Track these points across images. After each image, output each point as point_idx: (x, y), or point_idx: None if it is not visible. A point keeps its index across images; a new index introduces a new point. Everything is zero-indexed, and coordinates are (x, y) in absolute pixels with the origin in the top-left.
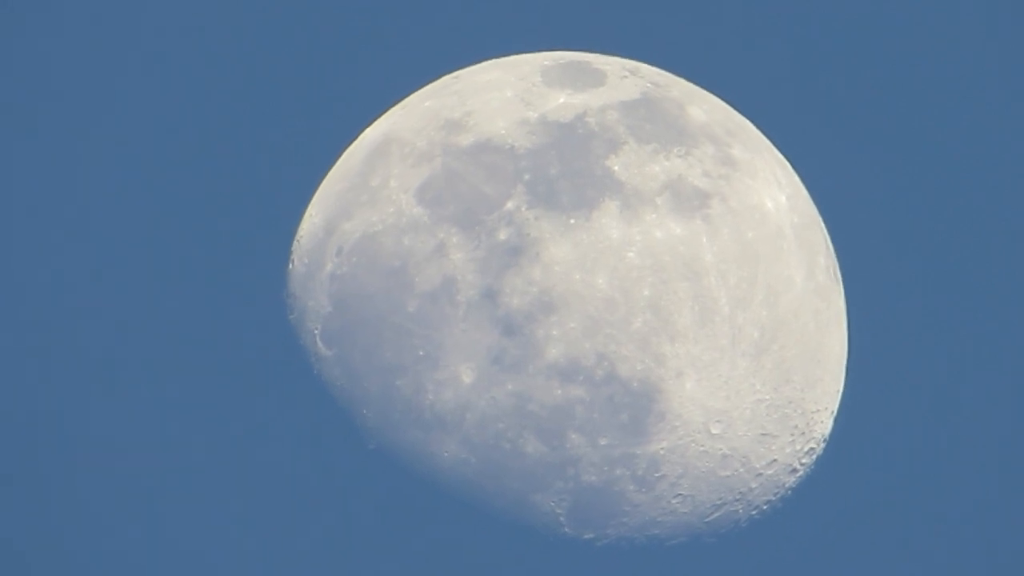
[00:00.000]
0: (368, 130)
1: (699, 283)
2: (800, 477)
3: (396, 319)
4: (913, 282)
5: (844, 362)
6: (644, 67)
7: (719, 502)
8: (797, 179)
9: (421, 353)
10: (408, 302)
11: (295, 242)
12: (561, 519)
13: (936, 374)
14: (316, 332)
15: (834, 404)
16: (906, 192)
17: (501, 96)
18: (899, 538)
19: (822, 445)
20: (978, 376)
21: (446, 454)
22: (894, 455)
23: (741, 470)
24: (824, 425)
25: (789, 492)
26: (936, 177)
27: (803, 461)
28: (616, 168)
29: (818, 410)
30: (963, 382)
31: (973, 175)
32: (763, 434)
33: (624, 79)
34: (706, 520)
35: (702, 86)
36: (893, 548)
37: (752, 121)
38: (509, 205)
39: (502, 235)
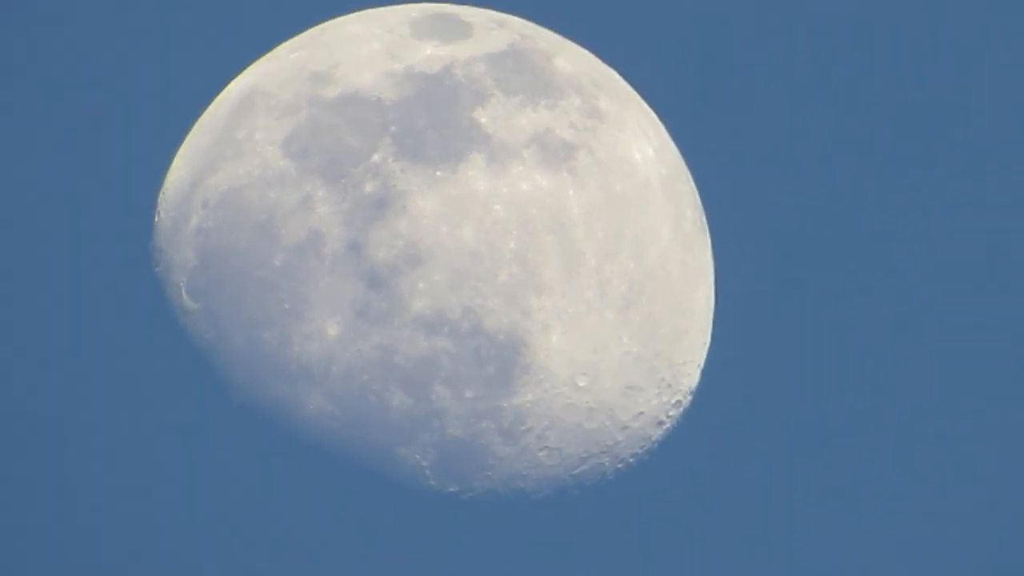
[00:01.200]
0: (233, 83)
1: (566, 236)
2: (667, 430)
3: (262, 272)
4: (778, 234)
5: (711, 315)
6: (512, 19)
7: (585, 455)
8: (664, 131)
9: (287, 306)
10: (274, 255)
11: (160, 195)
12: (427, 472)
13: (801, 326)
14: (182, 285)
15: (701, 356)
16: (773, 144)
17: (368, 48)
18: (762, 490)
19: (689, 398)
20: (840, 329)
21: (311, 407)
22: (760, 406)
23: (608, 423)
24: (691, 377)
25: (656, 445)
26: (802, 128)
27: (670, 414)
28: (483, 120)
29: (685, 362)
30: (826, 335)
31: (842, 125)
32: (630, 387)
33: (491, 31)
34: (572, 473)
35: (570, 38)
36: (755, 500)
37: (619, 73)
38: (375, 158)
39: (368, 188)
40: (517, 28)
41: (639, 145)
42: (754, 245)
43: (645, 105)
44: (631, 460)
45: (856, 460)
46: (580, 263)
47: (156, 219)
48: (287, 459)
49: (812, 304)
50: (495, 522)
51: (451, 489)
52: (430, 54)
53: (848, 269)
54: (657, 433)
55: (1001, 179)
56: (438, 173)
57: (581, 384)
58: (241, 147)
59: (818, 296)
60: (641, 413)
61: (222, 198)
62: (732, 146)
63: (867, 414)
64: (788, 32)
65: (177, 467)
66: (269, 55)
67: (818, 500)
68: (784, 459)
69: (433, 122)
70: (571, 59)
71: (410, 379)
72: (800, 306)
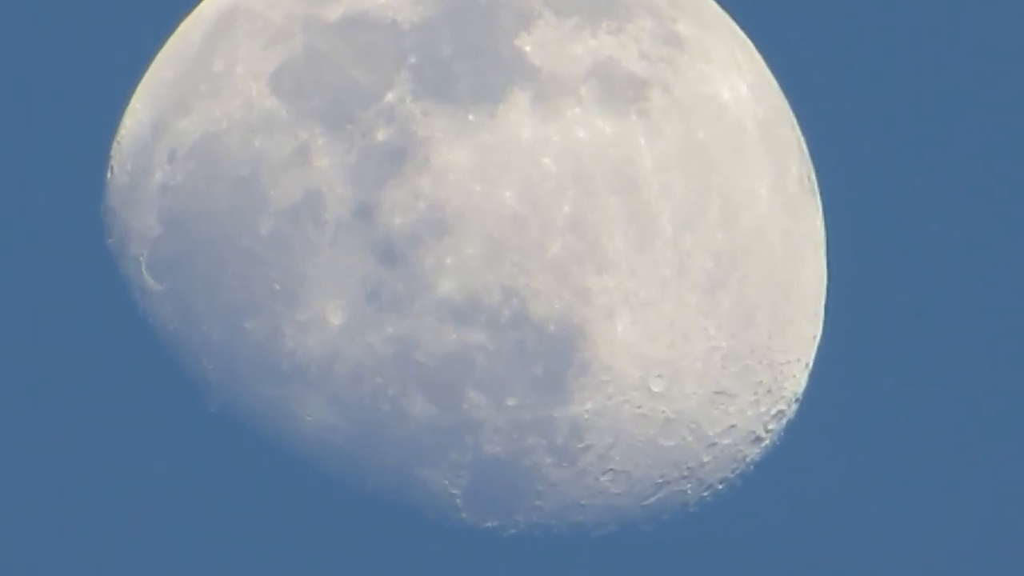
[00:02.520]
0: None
1: (635, 197)
2: (765, 448)
3: (245, 243)
4: (911, 197)
5: (822, 299)
6: None
7: (661, 480)
8: (762, 63)
9: (277, 287)
10: (260, 222)
11: (115, 144)
12: (457, 502)
13: (942, 314)
14: (142, 260)
15: (809, 354)
16: (902, 82)
17: None
18: (888, 526)
19: (794, 407)
20: (991, 321)
21: (308, 418)
22: (885, 418)
23: (689, 439)
24: (796, 381)
25: (751, 467)
26: (940, 65)
27: (769, 427)
28: (528, 49)
29: (789, 361)
30: (970, 326)
31: (981, 64)
32: (718, 392)
33: None
34: (644, 503)
35: None
36: (880, 539)
37: None
38: (390, 96)
39: (381, 135)
40: None
41: (729, 81)
42: (879, 209)
43: (738, 29)
44: (719, 487)
45: (1011, 495)
46: (653, 232)
47: (108, 175)
48: (276, 485)
49: (953, 287)
50: (545, 566)
51: (488, 524)
52: None
53: (999, 244)
54: (753, 452)
55: None
56: (470, 117)
57: (655, 389)
58: (218, 82)
59: (960, 277)
60: (732, 426)
61: (194, 148)
62: (851, 82)
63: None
64: None
65: (136, 494)
66: None
67: (958, 542)
68: (916, 487)
69: (464, 51)
70: None
71: (435, 382)
72: (937, 290)
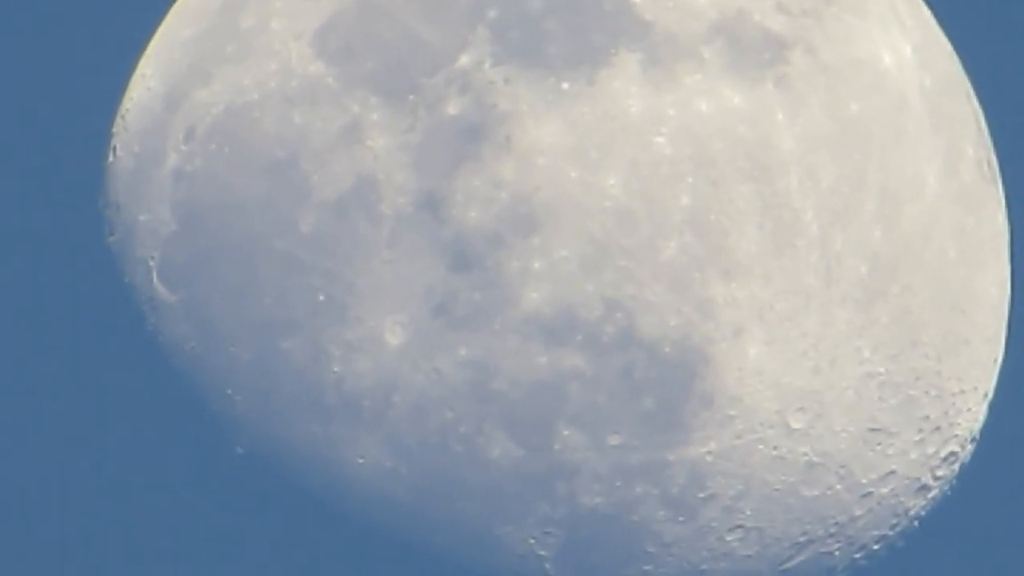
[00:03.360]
0: None
1: (771, 186)
2: (933, 499)
3: (281, 244)
4: None
5: (1005, 313)
6: None
7: (803, 539)
8: (931, 18)
9: (321, 298)
10: (300, 217)
11: (118, 120)
12: (546, 567)
13: None
14: (152, 264)
15: (989, 382)
16: None
17: None
18: None
19: (969, 448)
20: None
21: (361, 460)
22: None
23: (839, 487)
24: (973, 415)
25: (915, 524)
26: None
27: (939, 473)
28: (638, 0)
29: (963, 391)
30: None
31: None
32: (873, 429)
33: None
34: (781, 568)
35: None
36: None
37: None
38: (464, 60)
39: (452, 108)
40: None
41: (890, 39)
42: None
43: None
44: (875, 548)
45: None
46: (795, 230)
47: (110, 158)
48: (320, 545)
49: None
50: None
51: None
52: None
53: None
54: (918, 504)
55: None
56: (564, 85)
57: (796, 426)
58: (248, 42)
59: None
60: (892, 472)
61: (217, 124)
62: None
63: None
64: None
65: (148, 556)
66: None
67: None
68: None
69: (557, 2)
70: None
71: (520, 417)
72: None
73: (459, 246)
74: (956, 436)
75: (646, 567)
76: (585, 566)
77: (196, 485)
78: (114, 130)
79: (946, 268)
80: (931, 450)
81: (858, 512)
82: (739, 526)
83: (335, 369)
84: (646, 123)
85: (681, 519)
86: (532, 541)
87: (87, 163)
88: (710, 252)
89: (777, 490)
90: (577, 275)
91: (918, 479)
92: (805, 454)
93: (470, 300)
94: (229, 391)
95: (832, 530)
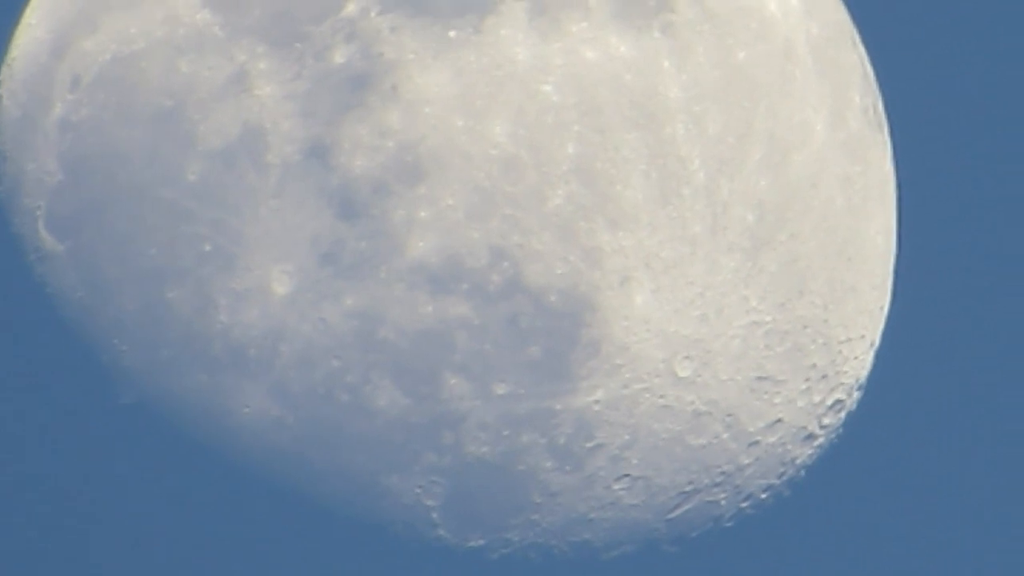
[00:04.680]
0: None
1: (658, 133)
2: (819, 448)
3: (167, 193)
4: (1001, 135)
5: (891, 261)
6: None
7: (689, 488)
8: None
9: (207, 248)
10: (187, 166)
11: (4, 69)
12: (433, 516)
13: None
14: (39, 213)
15: (875, 330)
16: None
17: None
18: (967, 542)
19: (855, 396)
20: None
21: (247, 409)
22: (966, 412)
23: (725, 436)
24: (859, 363)
25: (801, 472)
26: None
27: (825, 422)
28: None
29: (850, 339)
30: None
31: None
32: (760, 378)
33: None
34: (668, 517)
35: None
36: (956, 556)
37: None
38: (350, 8)
39: (338, 56)
40: None
41: None
42: (961, 148)
43: None
44: (762, 497)
45: None
46: (681, 177)
47: None
48: (207, 494)
49: None
50: None
51: (473, 543)
52: None
53: None
54: (804, 453)
55: None
56: (451, 33)
57: (683, 374)
58: None
59: None
60: (779, 420)
61: (104, 73)
62: None
63: None
64: None
65: (38, 499)
66: None
67: None
68: (1000, 492)
69: None
70: None
71: (406, 365)
72: None
73: (345, 195)
74: (842, 384)
75: (533, 516)
76: (472, 515)
77: (84, 435)
78: (0, 79)
79: (833, 216)
80: (818, 398)
81: (745, 461)
82: (626, 475)
83: (222, 318)
84: (532, 71)
85: (568, 468)
86: (419, 490)
87: None
88: (597, 201)
89: (664, 439)
90: (463, 224)
91: (804, 428)
92: (692, 403)
93: (356, 249)
94: (116, 341)
95: (719, 479)
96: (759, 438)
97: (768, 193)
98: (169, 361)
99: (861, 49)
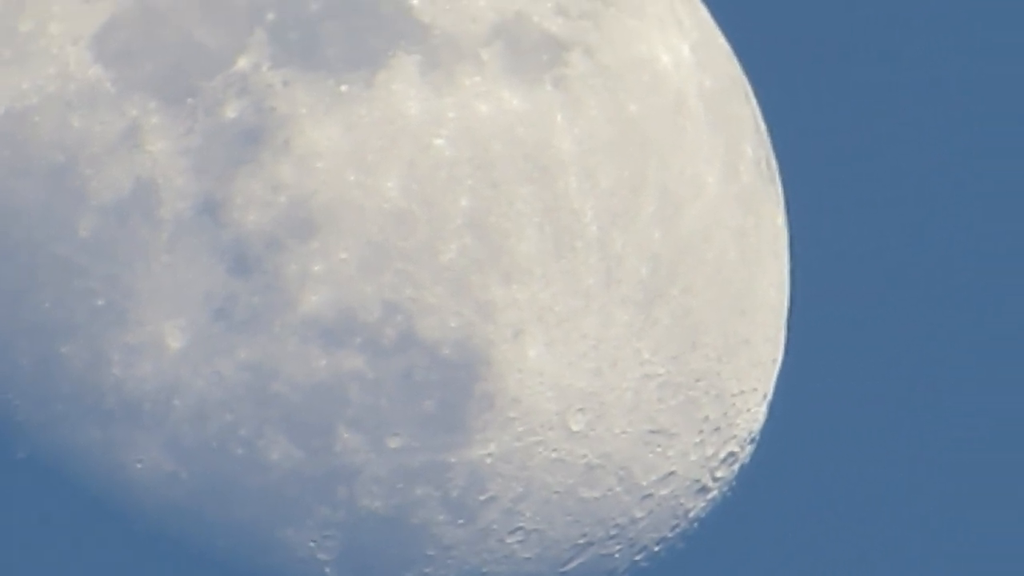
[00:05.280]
0: None
1: (551, 187)
2: (713, 500)
3: (59, 249)
4: (890, 188)
5: (784, 313)
6: None
7: (583, 541)
8: (710, 19)
9: (100, 302)
10: (79, 222)
11: None
12: (327, 570)
13: (928, 331)
14: None
15: (768, 383)
16: (881, 49)
17: None
18: None
19: (748, 448)
20: (981, 334)
21: (139, 465)
22: (860, 464)
23: (618, 489)
24: (752, 415)
25: (695, 525)
26: (928, 27)
27: (718, 475)
28: (415, 2)
29: (742, 392)
30: (964, 342)
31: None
32: (653, 431)
33: None
34: (562, 570)
35: None
36: None
37: None
38: (242, 63)
39: (230, 111)
40: None
41: (668, 40)
42: (852, 203)
43: None
44: (656, 550)
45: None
46: (575, 231)
47: None
48: (102, 551)
49: (941, 297)
50: None
51: None
52: None
53: (993, 241)
54: (697, 505)
55: None
56: (343, 88)
57: (575, 427)
58: (26, 46)
59: (949, 286)
60: (672, 473)
61: None
62: (818, 44)
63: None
64: None
65: None
66: None
67: None
68: (896, 543)
69: (335, 4)
70: None
71: (299, 420)
72: (922, 302)
73: (238, 250)
74: (735, 437)
75: (426, 570)
76: (366, 569)
77: None
78: None
79: (726, 269)
80: (711, 451)
81: (638, 514)
82: (519, 528)
83: (115, 372)
84: (425, 125)
85: (461, 521)
86: (312, 544)
87: None
88: (490, 254)
89: (557, 492)
90: (356, 278)
91: (698, 480)
92: (584, 456)
93: (249, 303)
94: (8, 395)
95: (613, 532)
96: (652, 491)
97: (661, 246)
98: (62, 415)
99: (754, 102)
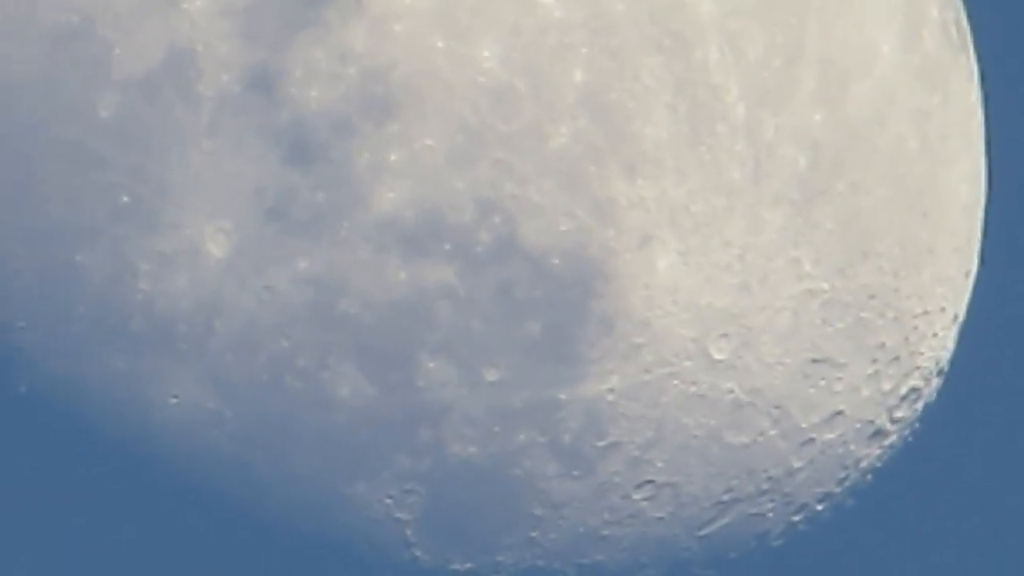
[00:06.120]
0: None
1: (686, 57)
2: (892, 447)
3: (71, 132)
4: None
5: (978, 215)
6: None
7: (728, 498)
8: None
9: (125, 200)
10: (98, 98)
11: None
12: (407, 532)
13: None
14: None
15: (959, 301)
16: None
17: None
18: None
19: (935, 383)
20: None
21: (175, 400)
22: None
23: (772, 433)
24: (939, 342)
25: (867, 478)
26: None
27: (897, 415)
28: None
29: (926, 312)
30: None
31: None
32: (816, 360)
33: None
34: (701, 534)
35: None
36: None
37: None
38: None
39: None
40: None
41: None
42: None
43: None
44: (819, 509)
45: None
46: (715, 112)
47: None
48: (124, 502)
49: None
50: None
51: (456, 566)
52: None
53: None
54: (871, 454)
55: None
56: None
57: (718, 356)
58: None
59: None
60: (839, 413)
61: None
62: None
63: None
64: None
65: None
66: None
67: None
68: None
69: None
70: None
71: (374, 346)
72: None
73: (297, 134)
74: (919, 369)
75: (532, 533)
76: (455, 532)
77: None
78: None
79: (904, 160)
80: (887, 386)
81: (797, 464)
82: (648, 482)
83: (143, 287)
84: None
85: (576, 473)
86: (389, 501)
87: None
88: (610, 141)
89: (696, 437)
90: (444, 170)
91: (871, 422)
92: (730, 391)
93: (311, 201)
94: (10, 315)
95: (764, 486)
96: (814, 435)
97: (823, 132)
98: (78, 340)
99: None
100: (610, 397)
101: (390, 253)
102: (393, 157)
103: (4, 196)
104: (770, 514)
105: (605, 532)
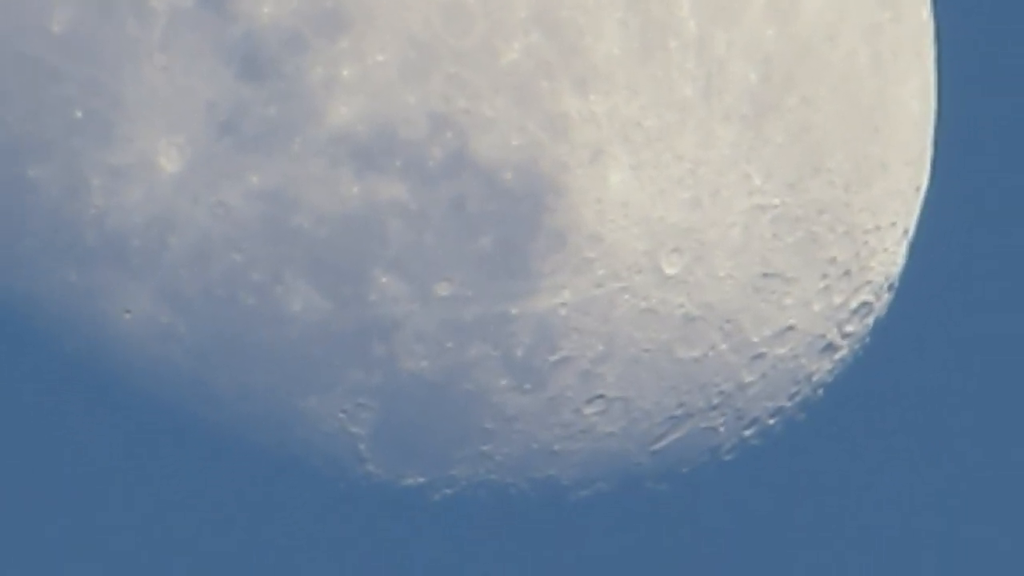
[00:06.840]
0: None
1: None
2: (842, 361)
3: (26, 47)
4: None
5: (929, 130)
6: None
7: (679, 412)
8: None
9: (79, 114)
10: (51, 13)
11: None
12: (360, 447)
13: None
14: None
15: (909, 216)
16: None
17: None
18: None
19: (885, 298)
20: None
21: (129, 315)
22: (1020, 315)
23: (723, 347)
24: (890, 256)
25: (819, 392)
26: None
27: (848, 329)
28: None
29: (878, 227)
30: None
31: None
32: (767, 275)
33: None
34: (652, 449)
35: None
36: (994, 508)
37: None
38: None
39: None
40: None
41: None
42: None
43: None
44: (770, 423)
45: None
46: (667, 27)
47: None
48: (78, 419)
49: None
50: (495, 548)
51: (409, 481)
52: None
53: None
54: (822, 368)
55: None
56: None
57: (670, 271)
58: None
59: None
60: (790, 328)
61: None
62: None
63: None
64: None
65: None
66: None
67: None
68: None
69: None
70: None
71: (326, 261)
72: None
73: (250, 48)
74: (869, 283)
75: (483, 447)
76: (408, 446)
77: None
78: None
79: (856, 76)
80: (838, 300)
81: (748, 378)
82: (599, 396)
83: (96, 202)
84: None
85: (527, 387)
86: (343, 415)
87: None
88: (562, 56)
89: (647, 351)
90: (396, 84)
91: (822, 336)
92: (681, 306)
93: (263, 116)
94: None
95: (716, 401)
96: (765, 349)
97: (775, 46)
98: (31, 254)
99: None
100: (562, 311)
101: (343, 168)
102: (345, 72)
103: None
104: (721, 428)
105: (557, 447)
